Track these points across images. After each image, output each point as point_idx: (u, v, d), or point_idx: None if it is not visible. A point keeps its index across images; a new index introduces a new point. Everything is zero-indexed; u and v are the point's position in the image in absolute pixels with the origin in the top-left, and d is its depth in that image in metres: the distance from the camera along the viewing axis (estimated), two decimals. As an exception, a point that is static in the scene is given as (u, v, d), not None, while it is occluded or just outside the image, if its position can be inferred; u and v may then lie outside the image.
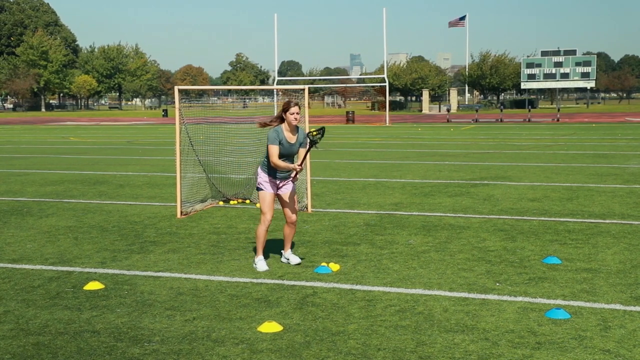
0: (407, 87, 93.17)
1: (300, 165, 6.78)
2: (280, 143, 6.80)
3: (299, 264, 7.08)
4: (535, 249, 7.70)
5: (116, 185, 13.97)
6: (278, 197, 7.05)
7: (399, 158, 19.75)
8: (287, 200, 7.01)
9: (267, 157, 6.87)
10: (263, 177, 6.95)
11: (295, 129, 6.87)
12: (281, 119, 6.90)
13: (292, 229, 7.11)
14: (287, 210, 7.03)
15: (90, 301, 5.95)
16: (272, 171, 6.90)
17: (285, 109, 6.79)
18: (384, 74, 54.66)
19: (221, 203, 11.25)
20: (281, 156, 6.83)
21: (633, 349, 4.68)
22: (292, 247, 7.30)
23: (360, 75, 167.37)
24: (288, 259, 7.15)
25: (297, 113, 6.76)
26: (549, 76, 63.93)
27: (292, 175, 6.96)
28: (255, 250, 7.20)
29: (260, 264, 6.90)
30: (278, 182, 6.96)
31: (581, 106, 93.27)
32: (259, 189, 6.99)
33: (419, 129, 39.03)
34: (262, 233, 6.92)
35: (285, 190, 7.00)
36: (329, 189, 12.99)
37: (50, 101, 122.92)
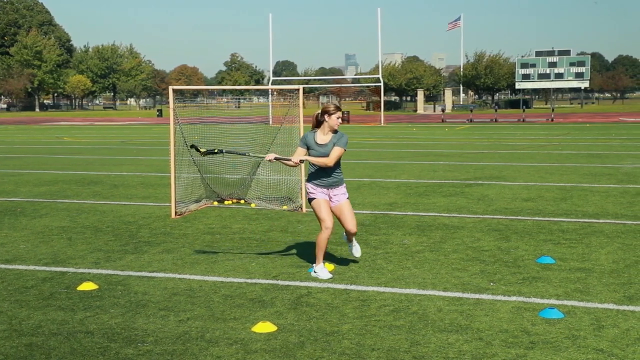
0: (402, 87, 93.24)
1: (271, 158, 6.73)
2: (307, 146, 6.71)
3: (357, 256, 7.12)
4: (529, 249, 7.72)
5: (110, 186, 13.94)
6: (332, 210, 6.80)
7: (393, 158, 19.76)
8: (343, 212, 6.77)
9: (312, 165, 6.72)
10: (310, 186, 6.75)
11: (333, 132, 6.69)
12: (317, 123, 6.74)
13: (352, 237, 6.98)
14: (346, 223, 6.79)
15: (83, 302, 5.93)
16: (316, 178, 6.69)
17: (330, 112, 6.60)
18: (378, 74, 54.70)
19: (215, 203, 11.24)
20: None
21: (626, 348, 4.70)
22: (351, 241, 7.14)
23: (355, 75, 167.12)
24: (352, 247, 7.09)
25: (340, 117, 6.70)
26: (543, 76, 64.03)
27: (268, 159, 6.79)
28: (315, 257, 6.76)
29: (322, 272, 6.59)
30: (327, 189, 6.73)
31: (575, 106, 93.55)
32: (310, 199, 6.75)
33: (413, 129, 39.08)
34: (323, 241, 6.63)
35: (337, 201, 6.77)
36: (323, 189, 12.98)
37: (44, 101, 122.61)
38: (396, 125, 46.17)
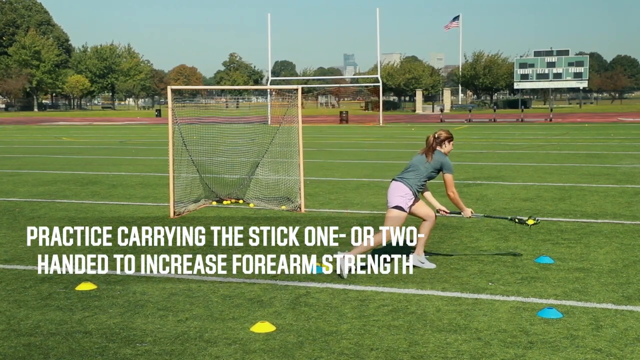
0: (400, 87, 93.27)
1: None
2: None
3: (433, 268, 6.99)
4: (528, 249, 7.72)
5: (109, 186, 13.93)
6: (412, 211, 6.96)
7: (392, 158, 19.76)
8: (422, 206, 7.02)
9: (420, 178, 6.81)
10: (411, 199, 6.80)
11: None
12: (433, 147, 6.92)
13: (432, 226, 7.04)
14: (426, 212, 7.01)
15: (82, 302, 5.93)
16: (421, 190, 6.94)
17: (450, 139, 6.97)
18: (377, 74, 54.70)
19: (214, 203, 11.23)
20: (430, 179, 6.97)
21: (624, 348, 4.70)
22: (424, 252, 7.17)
23: (353, 75, 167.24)
24: (423, 263, 7.00)
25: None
26: (541, 76, 64.00)
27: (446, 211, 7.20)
28: (352, 249, 6.72)
29: (344, 266, 6.50)
30: (416, 200, 6.96)
31: (574, 106, 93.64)
32: (401, 209, 6.72)
33: (412, 129, 39.08)
34: (374, 247, 6.78)
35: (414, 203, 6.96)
36: (322, 189, 12.99)
37: (43, 101, 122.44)
38: (395, 125, 46.17)
